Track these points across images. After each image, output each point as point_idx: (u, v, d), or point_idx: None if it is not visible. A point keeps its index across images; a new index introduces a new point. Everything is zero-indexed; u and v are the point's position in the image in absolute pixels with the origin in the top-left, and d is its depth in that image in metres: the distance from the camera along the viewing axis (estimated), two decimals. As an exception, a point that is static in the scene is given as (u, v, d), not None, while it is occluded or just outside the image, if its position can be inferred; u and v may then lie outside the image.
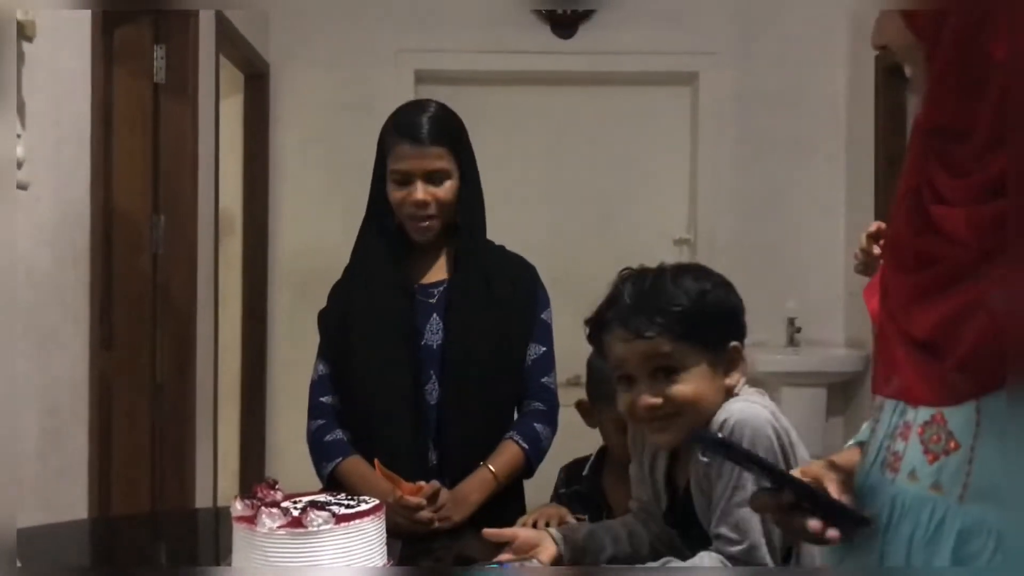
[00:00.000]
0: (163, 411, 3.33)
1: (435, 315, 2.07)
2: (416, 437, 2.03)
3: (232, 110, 4.37)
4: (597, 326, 1.62)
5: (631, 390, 1.57)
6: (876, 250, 2.02)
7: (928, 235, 0.98)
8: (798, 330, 4.59)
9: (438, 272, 2.11)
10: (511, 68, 4.62)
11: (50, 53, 2.39)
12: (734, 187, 4.62)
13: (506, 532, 1.72)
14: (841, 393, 4.47)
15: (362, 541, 1.44)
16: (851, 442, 1.23)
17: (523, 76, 4.67)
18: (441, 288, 2.09)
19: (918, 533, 0.99)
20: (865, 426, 1.19)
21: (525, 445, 2.04)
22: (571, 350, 2.10)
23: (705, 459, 1.53)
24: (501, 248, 2.18)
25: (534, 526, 1.86)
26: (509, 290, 2.10)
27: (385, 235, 2.09)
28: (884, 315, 1.06)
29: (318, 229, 4.41)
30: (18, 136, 2.21)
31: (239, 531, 1.44)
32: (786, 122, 4.61)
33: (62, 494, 2.52)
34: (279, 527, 1.39)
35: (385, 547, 1.50)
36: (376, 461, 1.91)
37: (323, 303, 2.19)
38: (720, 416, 1.53)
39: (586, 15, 4.58)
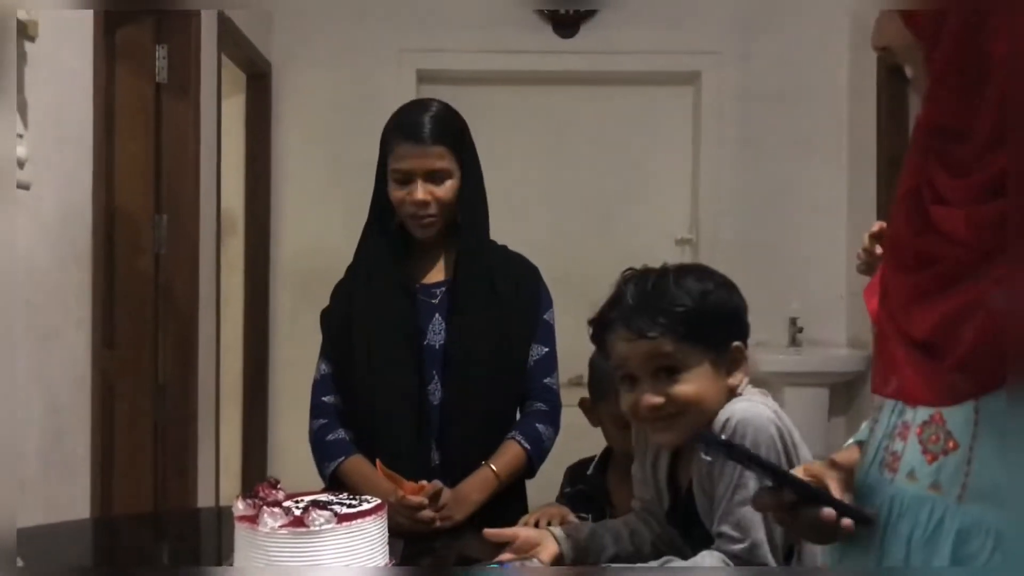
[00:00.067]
0: (165, 411, 3.34)
1: (437, 315, 2.06)
2: (418, 437, 2.03)
3: (234, 110, 4.36)
4: (600, 326, 1.62)
5: (634, 390, 1.58)
6: (879, 250, 2.02)
7: (928, 235, 0.98)
8: (800, 330, 4.59)
9: (441, 272, 2.11)
10: (513, 68, 4.62)
11: (52, 53, 2.39)
12: (736, 187, 4.62)
13: (507, 532, 1.72)
14: (843, 393, 4.46)
15: (364, 541, 1.44)
16: (850, 441, 1.23)
17: (525, 76, 4.67)
18: (444, 288, 2.08)
19: (917, 533, 0.99)
20: (864, 425, 1.19)
21: (527, 445, 2.04)
22: (573, 350, 2.11)
23: (707, 458, 1.54)
24: (504, 248, 2.17)
25: (536, 525, 1.86)
26: (512, 290, 2.09)
27: (387, 235, 2.09)
28: (884, 315, 1.06)
29: (320, 229, 4.42)
30: (20, 136, 2.21)
31: (241, 531, 1.44)
32: (788, 122, 4.60)
33: (63, 493, 2.52)
34: (281, 526, 1.40)
35: (387, 547, 1.51)
36: (378, 461, 1.91)
37: (325, 303, 2.19)
38: (722, 416, 1.53)
39: (588, 15, 4.57)
